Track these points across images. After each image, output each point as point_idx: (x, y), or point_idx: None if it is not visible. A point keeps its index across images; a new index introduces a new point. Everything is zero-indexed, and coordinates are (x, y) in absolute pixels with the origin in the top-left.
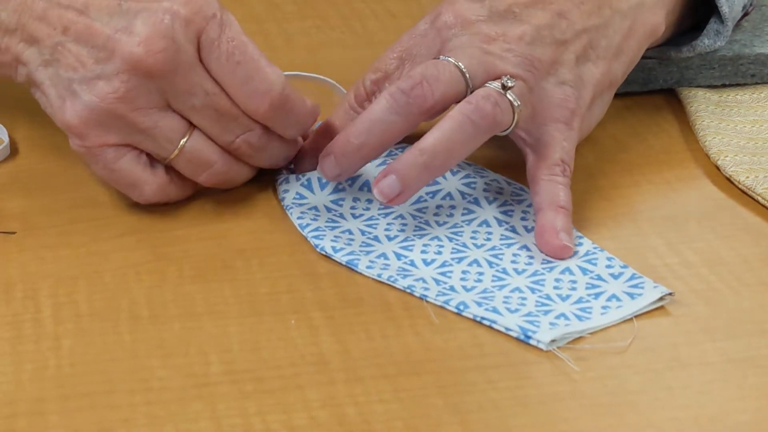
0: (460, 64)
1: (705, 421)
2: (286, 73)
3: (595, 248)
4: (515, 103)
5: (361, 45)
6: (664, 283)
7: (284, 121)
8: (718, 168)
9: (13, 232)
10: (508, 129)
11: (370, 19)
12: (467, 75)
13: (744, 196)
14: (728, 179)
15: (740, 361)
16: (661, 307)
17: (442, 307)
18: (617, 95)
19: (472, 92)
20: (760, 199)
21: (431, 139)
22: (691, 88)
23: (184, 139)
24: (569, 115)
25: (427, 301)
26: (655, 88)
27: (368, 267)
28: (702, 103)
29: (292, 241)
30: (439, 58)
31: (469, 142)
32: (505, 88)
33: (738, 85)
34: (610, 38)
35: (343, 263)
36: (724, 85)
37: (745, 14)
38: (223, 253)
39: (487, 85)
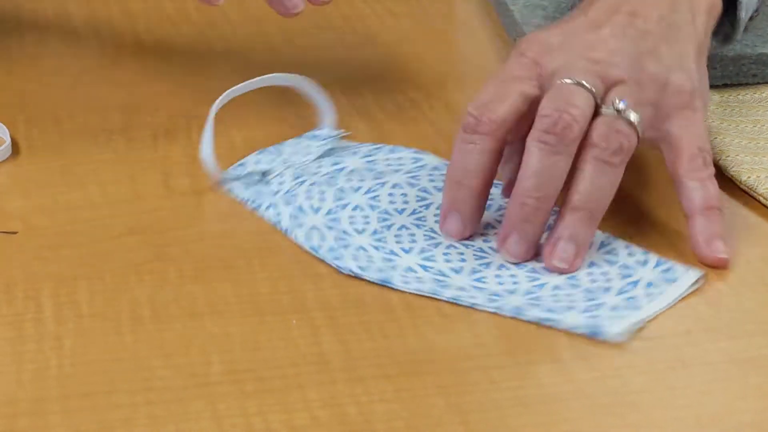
0: (582, 80)
1: (707, 421)
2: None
3: (608, 237)
4: (636, 122)
5: (362, 45)
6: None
7: None
8: (719, 168)
9: (15, 232)
10: (638, 145)
11: (371, 18)
12: (592, 90)
13: (745, 195)
14: (730, 179)
15: (742, 361)
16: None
17: (495, 313)
18: None
19: (601, 102)
20: (761, 199)
21: (577, 194)
22: None
23: None
24: (689, 99)
25: (478, 309)
26: None
27: (404, 282)
28: None
29: (293, 241)
30: (559, 82)
31: (614, 179)
32: (620, 112)
33: (740, 85)
34: (682, 15)
35: (376, 281)
36: (725, 85)
37: (749, 19)
38: (224, 254)
39: (603, 112)
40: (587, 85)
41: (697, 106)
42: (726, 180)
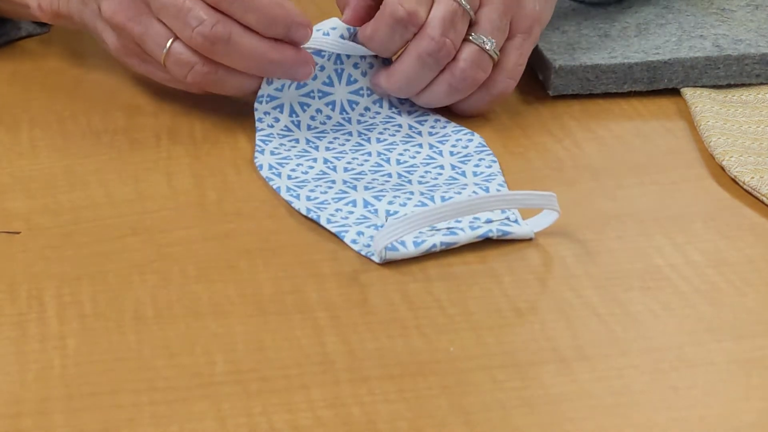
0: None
1: (710, 421)
2: None
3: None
4: (494, 56)
5: None
6: (668, 283)
7: (240, 7)
8: (723, 168)
9: (18, 232)
10: None
11: None
12: (469, 11)
13: (749, 196)
14: (733, 179)
15: (745, 362)
16: (666, 308)
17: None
18: (623, 95)
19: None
20: (765, 199)
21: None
22: (695, 88)
23: (169, 43)
24: (530, 24)
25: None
26: (660, 87)
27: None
28: (707, 104)
29: (297, 241)
30: None
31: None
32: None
33: (743, 85)
34: None
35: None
36: (729, 85)
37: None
38: (227, 254)
39: (471, 38)
40: (465, 4)
41: (535, 33)
42: (729, 180)
